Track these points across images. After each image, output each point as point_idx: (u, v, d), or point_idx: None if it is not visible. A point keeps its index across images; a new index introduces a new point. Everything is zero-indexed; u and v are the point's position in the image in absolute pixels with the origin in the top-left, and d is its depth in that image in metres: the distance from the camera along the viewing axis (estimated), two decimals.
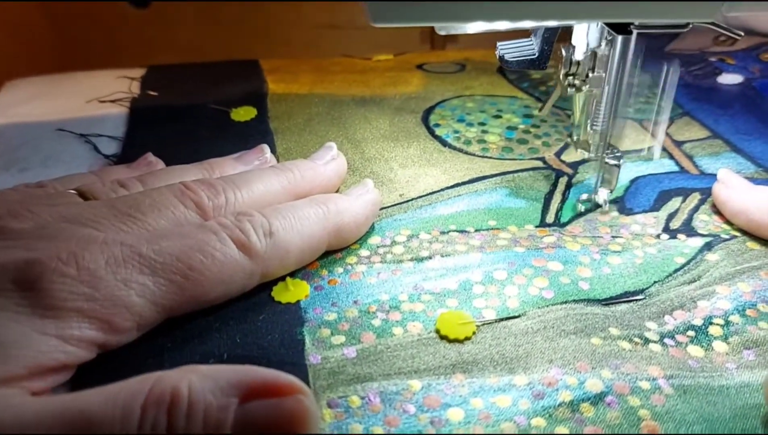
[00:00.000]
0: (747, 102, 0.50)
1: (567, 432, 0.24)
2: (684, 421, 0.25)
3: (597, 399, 0.26)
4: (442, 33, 0.32)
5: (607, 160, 0.37)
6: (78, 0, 0.79)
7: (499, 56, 0.35)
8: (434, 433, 0.24)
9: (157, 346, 0.28)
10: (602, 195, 0.37)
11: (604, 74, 0.35)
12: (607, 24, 0.33)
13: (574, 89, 0.36)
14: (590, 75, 0.35)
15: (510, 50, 0.36)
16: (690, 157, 0.43)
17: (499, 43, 0.36)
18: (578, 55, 0.35)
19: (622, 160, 0.37)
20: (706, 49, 0.60)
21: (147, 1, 0.34)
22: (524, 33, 0.36)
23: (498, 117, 0.47)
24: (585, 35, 0.35)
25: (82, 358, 0.25)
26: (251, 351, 0.28)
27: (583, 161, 0.42)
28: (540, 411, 0.25)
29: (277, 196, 0.33)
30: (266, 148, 0.38)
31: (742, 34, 0.35)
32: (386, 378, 0.27)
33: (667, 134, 0.46)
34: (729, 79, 0.54)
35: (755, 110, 0.49)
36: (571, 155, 0.43)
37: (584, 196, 0.38)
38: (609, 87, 0.35)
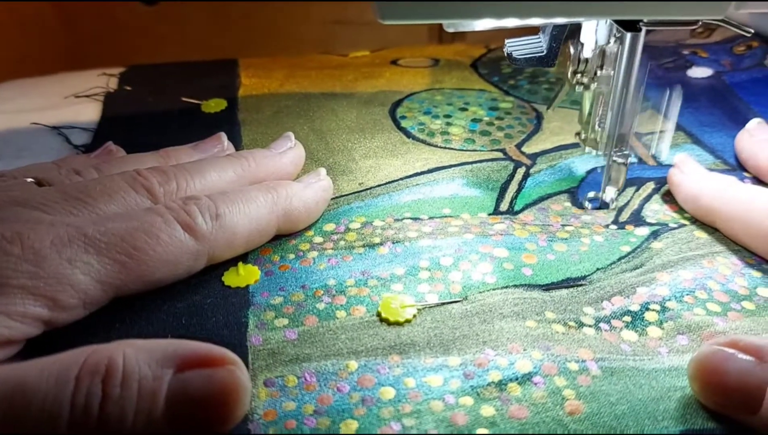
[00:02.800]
0: (714, 95, 0.50)
1: (493, 410, 0.25)
2: (607, 401, 0.25)
3: (525, 379, 0.26)
4: (450, 30, 0.32)
5: (614, 158, 0.37)
6: None
7: (507, 54, 0.36)
8: (364, 410, 0.25)
9: (104, 325, 0.29)
10: (609, 193, 0.38)
11: (612, 72, 0.35)
12: (616, 21, 0.34)
13: (582, 87, 0.36)
14: (599, 73, 0.35)
15: (518, 48, 0.36)
16: (648, 149, 0.43)
17: (507, 41, 0.36)
18: (586, 52, 0.35)
19: (629, 159, 0.37)
20: (682, 41, 0.60)
21: None
22: (532, 30, 0.36)
23: (464, 109, 0.48)
24: (593, 32, 0.35)
25: (27, 334, 0.26)
26: (195, 332, 0.29)
27: (543, 152, 0.43)
28: (468, 390, 0.26)
29: (231, 184, 0.34)
30: (223, 136, 0.39)
31: (752, 30, 0.35)
32: (324, 359, 0.28)
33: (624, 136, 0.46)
34: (699, 72, 0.54)
35: (721, 103, 0.49)
36: (532, 147, 0.43)
37: (591, 194, 0.38)
38: (618, 85, 0.35)
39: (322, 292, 0.31)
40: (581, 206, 0.38)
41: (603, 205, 0.38)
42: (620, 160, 0.37)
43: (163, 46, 0.83)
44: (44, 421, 0.21)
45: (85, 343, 0.27)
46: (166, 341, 0.24)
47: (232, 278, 0.32)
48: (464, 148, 0.43)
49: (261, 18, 0.85)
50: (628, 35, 0.33)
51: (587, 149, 0.38)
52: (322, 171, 0.36)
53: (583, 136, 0.39)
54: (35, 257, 0.26)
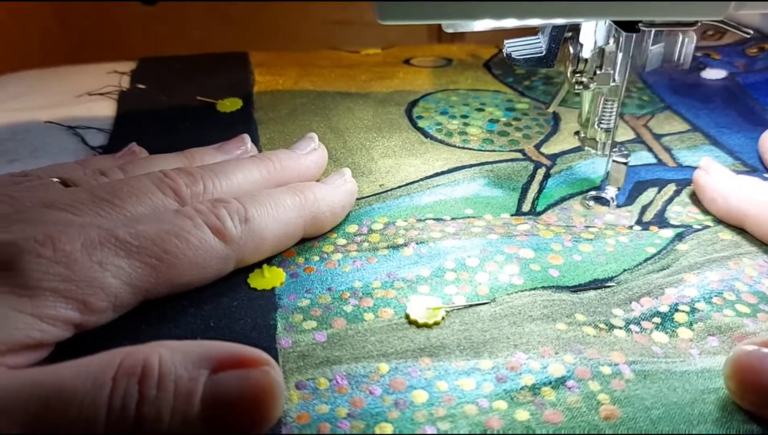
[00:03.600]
0: (729, 96, 0.50)
1: (527, 414, 0.25)
2: (642, 405, 0.25)
3: (558, 383, 0.26)
4: (450, 30, 0.32)
5: (614, 157, 0.37)
6: None
7: (507, 54, 0.36)
8: (397, 413, 0.25)
9: (133, 328, 0.28)
10: (610, 192, 0.38)
11: (611, 72, 0.35)
12: (615, 22, 0.34)
13: (581, 87, 0.36)
14: (598, 72, 0.35)
15: (517, 48, 0.36)
16: (668, 150, 0.43)
17: (506, 41, 0.36)
18: (586, 52, 0.35)
19: (629, 158, 0.37)
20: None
21: None
22: (532, 31, 0.36)
23: (481, 110, 0.47)
24: (593, 33, 0.35)
25: (58, 337, 0.26)
26: (223, 335, 0.28)
27: (562, 153, 0.43)
28: (502, 394, 0.26)
29: (256, 185, 0.34)
30: (247, 137, 0.39)
31: (752, 32, 0.35)
32: (355, 361, 0.27)
33: (647, 127, 0.46)
34: (712, 74, 0.54)
35: (736, 104, 0.49)
36: (551, 147, 0.43)
37: (591, 194, 0.38)
38: (617, 84, 0.35)
39: (348, 294, 0.31)
40: (604, 203, 0.38)
41: (603, 203, 0.38)
42: (620, 160, 0.37)
43: (163, 46, 0.82)
44: (81, 422, 0.21)
45: (115, 345, 0.27)
46: (200, 342, 0.24)
47: (258, 280, 0.32)
48: (483, 149, 0.43)
49: (261, 18, 0.85)
50: (627, 35, 0.33)
51: (586, 148, 0.39)
52: (347, 172, 0.36)
53: (582, 135, 0.39)
54: (67, 260, 0.26)
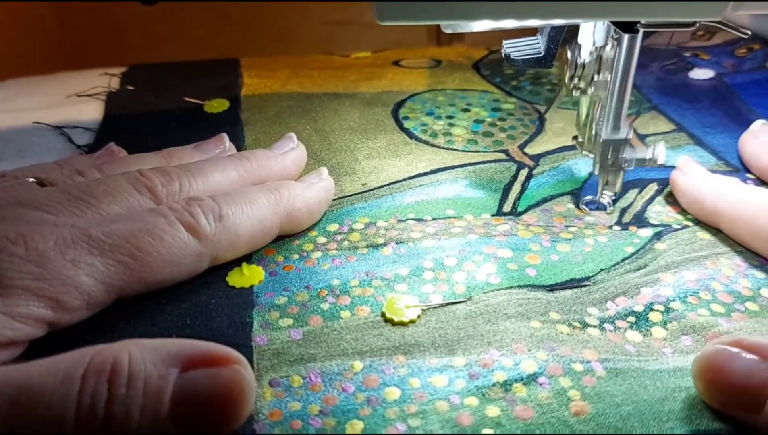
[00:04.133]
0: (716, 96, 0.51)
1: (498, 410, 0.25)
2: (613, 401, 0.25)
3: (530, 379, 0.26)
4: (448, 31, 0.32)
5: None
6: None
7: (505, 55, 0.36)
8: (369, 410, 0.25)
9: (109, 326, 0.29)
10: (607, 197, 0.38)
11: (609, 77, 0.35)
12: (614, 22, 0.34)
13: (579, 92, 0.36)
14: (595, 78, 0.35)
15: (516, 49, 0.36)
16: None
17: (504, 42, 0.37)
18: (584, 54, 0.35)
19: (625, 163, 0.37)
20: (683, 44, 0.60)
21: None
22: (530, 31, 0.36)
23: (466, 110, 0.48)
24: (591, 34, 0.35)
25: (31, 335, 0.26)
26: (200, 332, 0.29)
27: (546, 154, 0.43)
28: (474, 390, 0.26)
29: (233, 185, 0.34)
30: (225, 136, 0.39)
31: (749, 32, 0.35)
32: (329, 359, 0.28)
33: (632, 127, 0.46)
34: (700, 74, 0.54)
35: (722, 104, 0.49)
36: (535, 148, 0.43)
37: (588, 198, 0.38)
38: (614, 89, 0.35)
39: (326, 292, 0.31)
40: (601, 208, 0.38)
41: (601, 208, 0.38)
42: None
43: (162, 46, 0.83)
44: (50, 420, 0.21)
45: (89, 344, 0.27)
46: (171, 340, 0.24)
47: (237, 278, 0.32)
48: (467, 149, 0.43)
49: (261, 18, 0.85)
50: (626, 37, 0.33)
51: (584, 153, 0.39)
52: (324, 170, 0.36)
53: (580, 139, 0.39)
54: (39, 258, 0.26)
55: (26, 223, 0.27)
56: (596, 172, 0.37)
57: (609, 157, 0.36)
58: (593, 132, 0.37)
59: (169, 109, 0.48)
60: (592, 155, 0.38)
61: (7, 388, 0.22)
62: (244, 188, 0.33)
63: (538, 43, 0.36)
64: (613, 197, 0.38)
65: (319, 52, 0.61)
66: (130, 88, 0.52)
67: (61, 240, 0.27)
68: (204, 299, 0.30)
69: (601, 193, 0.38)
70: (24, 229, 0.26)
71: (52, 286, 0.26)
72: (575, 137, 0.39)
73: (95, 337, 0.28)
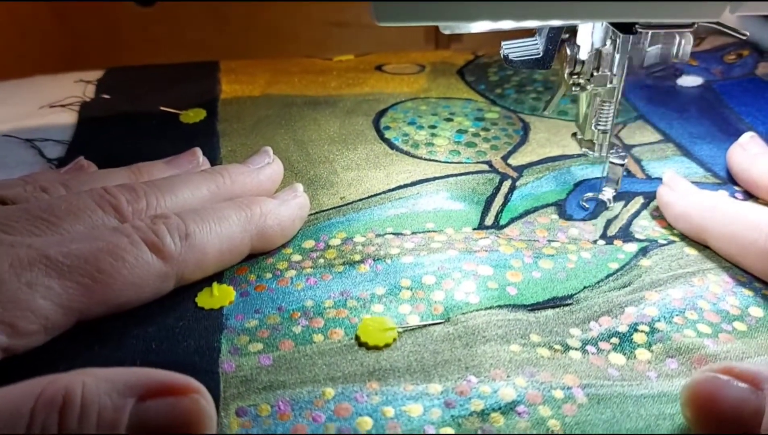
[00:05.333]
0: (704, 105, 0.50)
1: None
2: (593, 432, 0.24)
3: (508, 408, 0.25)
4: (447, 32, 0.32)
5: (611, 159, 0.37)
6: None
7: (504, 56, 0.35)
8: None
9: (70, 351, 0.27)
10: (607, 194, 0.37)
11: (608, 73, 0.35)
12: (612, 24, 0.33)
13: (578, 88, 0.36)
14: (595, 74, 0.35)
15: (514, 50, 0.35)
16: (638, 161, 0.42)
17: (503, 43, 0.36)
18: (583, 54, 0.35)
19: (626, 160, 0.37)
20: None
21: (152, 0, 0.34)
22: (529, 32, 0.36)
23: (449, 120, 0.46)
24: (590, 35, 0.35)
25: None
26: (165, 357, 0.27)
27: (530, 165, 0.42)
28: (449, 420, 0.25)
29: (204, 201, 0.33)
30: (198, 151, 0.38)
31: (747, 33, 0.35)
32: (300, 385, 0.26)
33: (619, 138, 0.45)
34: (689, 81, 0.53)
35: (711, 113, 0.48)
36: (519, 158, 0.42)
37: (589, 195, 0.38)
38: (614, 86, 0.35)
39: (299, 314, 0.30)
40: (569, 218, 0.37)
41: (600, 205, 0.37)
42: (617, 161, 0.37)
43: (160, 47, 0.82)
44: None
45: (50, 369, 0.26)
46: (128, 370, 0.23)
47: (206, 299, 0.31)
48: (449, 160, 0.42)
49: (259, 19, 0.84)
50: (624, 37, 0.33)
51: (583, 150, 0.38)
52: (299, 187, 0.35)
53: (579, 137, 0.38)
54: None
55: None
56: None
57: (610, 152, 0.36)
58: (592, 128, 0.36)
59: (144, 120, 0.47)
60: (591, 153, 0.37)
61: None
62: (213, 205, 0.32)
63: (536, 43, 0.35)
64: (614, 194, 0.37)
65: (317, 54, 0.60)
66: (106, 96, 0.50)
67: (17, 261, 0.25)
68: (171, 322, 0.29)
69: (602, 190, 0.37)
70: None
71: (6, 310, 0.25)
72: (574, 134, 0.39)
73: (55, 362, 0.27)
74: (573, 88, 0.36)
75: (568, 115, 0.47)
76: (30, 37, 0.77)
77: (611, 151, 0.37)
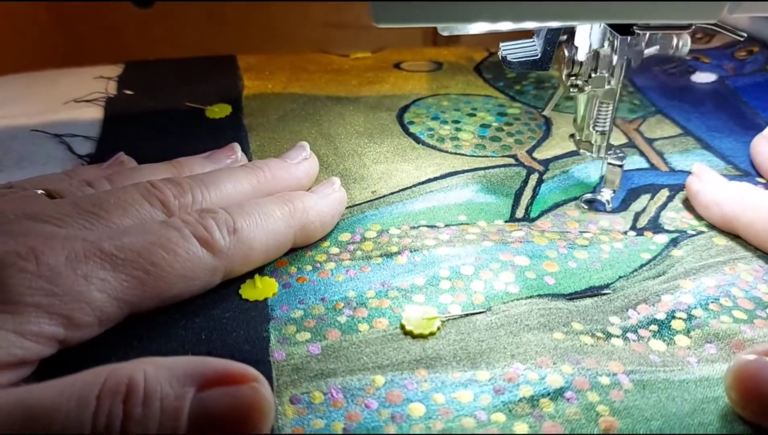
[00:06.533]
0: (719, 100, 0.51)
1: (526, 427, 0.25)
2: (642, 416, 0.25)
3: (557, 394, 0.26)
4: (445, 33, 0.32)
5: (609, 160, 0.37)
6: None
7: (502, 57, 0.35)
8: (394, 428, 0.25)
9: (122, 344, 0.28)
10: (605, 195, 0.38)
11: (606, 74, 0.35)
12: (610, 25, 0.33)
13: (576, 89, 0.36)
14: (593, 75, 0.35)
15: (512, 51, 0.36)
16: (660, 154, 0.43)
17: (501, 44, 0.36)
18: (581, 55, 0.35)
19: (624, 161, 0.37)
20: None
21: (150, 1, 0.35)
22: (527, 34, 0.36)
23: (472, 115, 0.47)
24: (587, 36, 0.35)
25: (41, 354, 0.25)
26: (216, 348, 0.28)
27: (555, 158, 0.42)
28: (500, 406, 0.25)
29: (246, 196, 0.33)
30: (237, 146, 0.38)
31: (745, 35, 0.35)
32: (350, 374, 0.27)
33: (639, 132, 0.46)
34: (702, 77, 0.54)
35: (727, 108, 0.49)
36: (543, 152, 0.43)
37: (587, 196, 0.38)
38: (612, 87, 0.35)
39: (342, 304, 0.30)
40: (597, 211, 0.38)
41: (599, 205, 0.38)
42: (616, 163, 0.37)
43: (158, 48, 0.82)
44: None
45: (102, 362, 0.26)
46: (186, 358, 0.24)
47: (250, 291, 0.31)
48: (475, 154, 0.43)
49: (257, 20, 0.84)
50: (622, 39, 0.33)
51: (581, 151, 0.38)
52: (336, 181, 0.36)
53: (577, 138, 0.39)
54: (50, 274, 0.25)
55: (36, 238, 0.26)
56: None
57: (608, 153, 0.36)
58: (590, 129, 0.37)
59: (170, 115, 0.47)
60: (589, 154, 0.38)
61: (19, 411, 0.21)
62: (257, 200, 0.32)
63: (534, 45, 0.36)
64: (612, 196, 0.38)
65: (317, 51, 0.60)
66: (129, 92, 0.50)
67: (73, 254, 0.26)
68: (218, 313, 0.30)
69: (600, 191, 0.38)
70: (34, 244, 0.25)
71: (64, 303, 0.25)
72: (572, 135, 0.39)
73: (108, 354, 0.27)
74: (571, 89, 0.36)
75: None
76: (27, 38, 0.77)
77: (609, 153, 0.37)
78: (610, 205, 0.38)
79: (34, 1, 0.75)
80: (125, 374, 0.22)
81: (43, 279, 0.25)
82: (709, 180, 0.36)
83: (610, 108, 0.36)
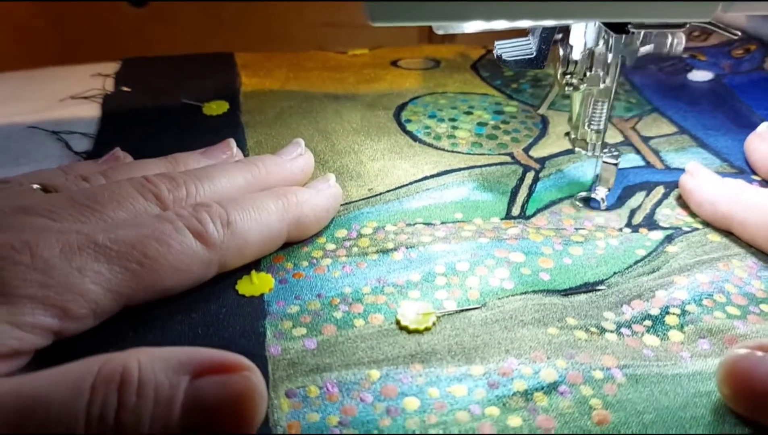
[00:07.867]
0: (715, 98, 0.51)
1: (520, 420, 0.25)
2: (634, 410, 0.25)
3: (550, 388, 0.26)
4: (440, 32, 0.32)
5: (604, 158, 0.37)
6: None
7: (497, 55, 0.36)
8: (389, 421, 0.25)
9: (119, 336, 0.28)
10: (600, 193, 0.38)
11: (601, 73, 0.35)
12: (605, 23, 0.34)
13: (571, 88, 0.36)
14: (588, 74, 0.35)
15: (508, 49, 0.36)
16: (656, 152, 0.43)
17: (496, 43, 0.36)
18: (576, 54, 0.35)
19: (619, 159, 0.37)
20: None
21: (145, 1, 0.35)
22: (522, 32, 0.36)
23: (469, 113, 0.47)
24: (582, 35, 0.35)
25: (37, 345, 0.25)
26: (212, 342, 0.28)
27: (551, 156, 0.43)
28: (494, 400, 0.26)
29: (240, 190, 0.33)
30: (233, 142, 0.38)
31: (739, 33, 0.36)
32: (345, 368, 0.27)
33: (635, 130, 0.46)
34: (699, 75, 0.54)
35: (723, 106, 0.49)
36: (540, 150, 0.43)
37: (582, 195, 0.38)
38: (607, 86, 0.35)
39: (338, 300, 0.31)
40: (593, 208, 0.38)
41: (593, 204, 0.38)
42: (610, 161, 0.37)
43: (153, 49, 0.82)
44: (60, 432, 0.21)
45: (99, 353, 0.27)
46: (180, 348, 0.24)
47: (246, 287, 0.31)
48: (472, 152, 0.43)
49: (253, 20, 0.84)
50: (616, 37, 0.33)
51: (576, 149, 0.39)
52: (332, 177, 0.36)
53: (572, 136, 0.39)
54: (45, 266, 0.25)
55: (31, 231, 0.26)
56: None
57: (603, 151, 0.37)
58: (585, 128, 0.37)
59: (167, 112, 0.47)
60: (584, 152, 0.38)
61: (14, 400, 0.21)
62: (251, 194, 0.32)
63: (529, 43, 0.36)
64: (607, 194, 0.38)
65: (314, 48, 0.60)
66: (126, 89, 0.51)
67: (67, 247, 0.26)
68: (214, 308, 0.30)
69: (595, 189, 0.38)
70: (28, 237, 0.25)
71: (58, 295, 0.25)
72: (567, 134, 0.39)
73: (103, 346, 0.27)
74: (566, 88, 0.36)
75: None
76: (21, 37, 0.77)
77: (604, 151, 0.37)
78: (605, 204, 0.38)
79: (30, 0, 0.75)
80: (119, 363, 0.22)
81: (38, 271, 0.25)
82: (703, 178, 0.37)
83: (605, 106, 0.36)
